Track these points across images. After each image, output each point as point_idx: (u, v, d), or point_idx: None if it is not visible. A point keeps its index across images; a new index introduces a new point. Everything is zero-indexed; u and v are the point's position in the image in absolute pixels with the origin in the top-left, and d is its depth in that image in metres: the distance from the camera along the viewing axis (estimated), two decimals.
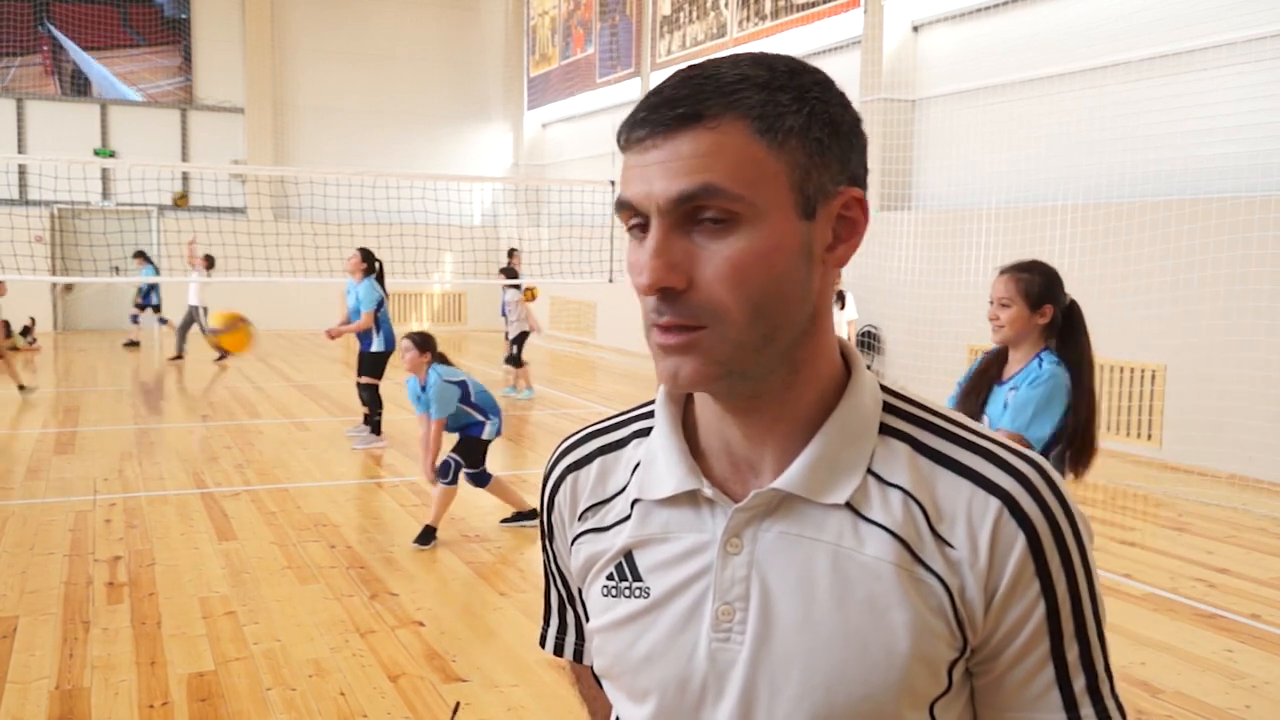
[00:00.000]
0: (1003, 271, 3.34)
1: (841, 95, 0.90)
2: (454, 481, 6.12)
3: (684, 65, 0.90)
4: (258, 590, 5.23)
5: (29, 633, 4.62)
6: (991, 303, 3.32)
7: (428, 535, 6.08)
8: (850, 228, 0.90)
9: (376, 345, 9.07)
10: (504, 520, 6.48)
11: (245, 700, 3.97)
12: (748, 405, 0.92)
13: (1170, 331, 8.40)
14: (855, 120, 0.90)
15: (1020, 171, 10.14)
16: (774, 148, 0.85)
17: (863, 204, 0.90)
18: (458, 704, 3.82)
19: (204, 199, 19.47)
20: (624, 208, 0.88)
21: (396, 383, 12.50)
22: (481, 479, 6.35)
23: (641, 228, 0.88)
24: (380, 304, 9.00)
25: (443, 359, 6.33)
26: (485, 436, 6.26)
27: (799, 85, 0.87)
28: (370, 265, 9.12)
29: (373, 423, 9.17)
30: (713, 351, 0.86)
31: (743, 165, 0.84)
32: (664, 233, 0.85)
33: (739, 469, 0.95)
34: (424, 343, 6.31)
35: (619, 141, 0.89)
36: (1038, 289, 3.25)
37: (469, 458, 6.23)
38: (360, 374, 9.22)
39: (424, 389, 6.15)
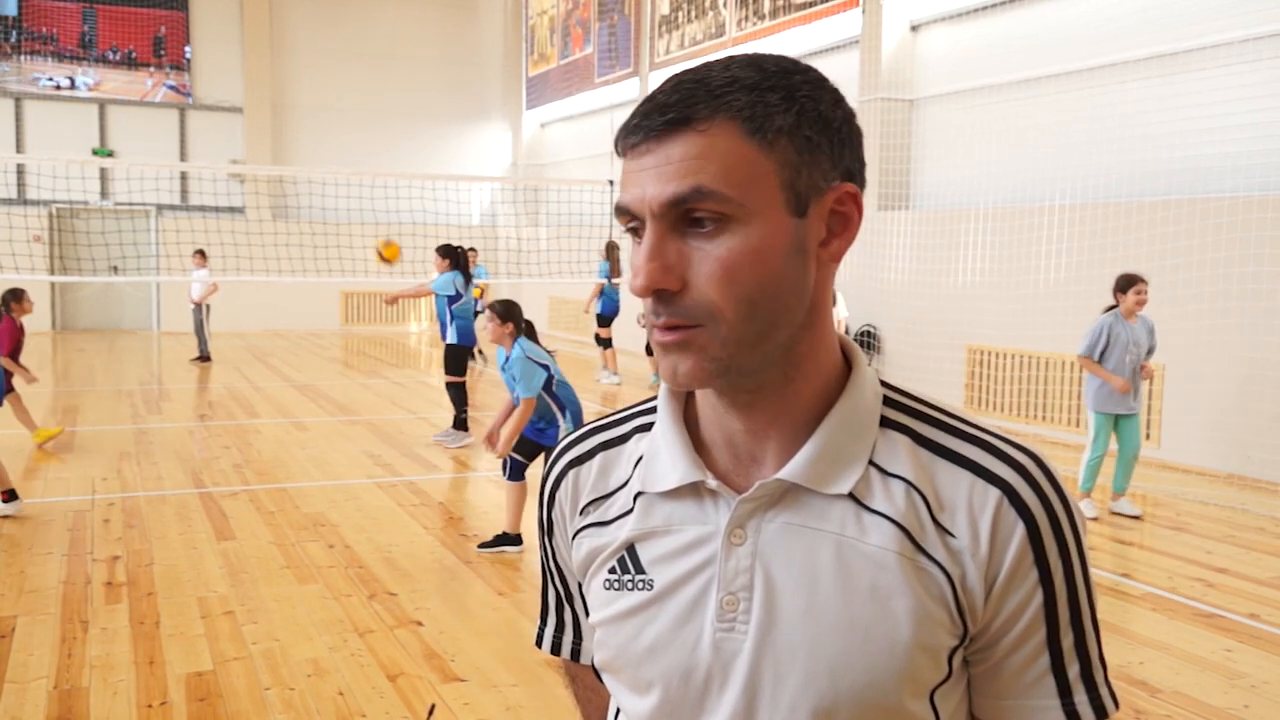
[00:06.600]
0: None
1: (834, 92, 0.91)
2: (520, 478, 5.84)
3: (679, 69, 0.91)
4: (256, 590, 5.23)
5: (27, 632, 4.62)
6: None
7: (502, 541, 5.88)
8: (844, 222, 0.91)
9: (450, 338, 9.28)
10: (482, 545, 5.96)
11: (244, 700, 3.97)
12: (749, 400, 0.93)
13: (1168, 331, 8.40)
14: (848, 116, 0.91)
15: (1018, 171, 10.14)
16: (764, 147, 0.86)
17: (856, 198, 0.91)
18: (433, 706, 3.84)
19: (202, 199, 19.47)
20: (622, 212, 0.90)
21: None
22: (516, 470, 5.88)
23: (638, 231, 0.89)
24: (454, 297, 9.16)
25: (530, 333, 5.97)
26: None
27: (788, 85, 0.88)
28: (453, 261, 9.30)
29: (458, 420, 9.23)
30: (708, 349, 0.88)
31: (733, 166, 0.85)
32: (658, 236, 0.87)
33: (741, 462, 0.96)
34: (506, 312, 5.92)
35: (616, 148, 0.91)
36: None
37: (531, 454, 5.87)
38: (445, 371, 9.40)
39: (508, 360, 5.82)
